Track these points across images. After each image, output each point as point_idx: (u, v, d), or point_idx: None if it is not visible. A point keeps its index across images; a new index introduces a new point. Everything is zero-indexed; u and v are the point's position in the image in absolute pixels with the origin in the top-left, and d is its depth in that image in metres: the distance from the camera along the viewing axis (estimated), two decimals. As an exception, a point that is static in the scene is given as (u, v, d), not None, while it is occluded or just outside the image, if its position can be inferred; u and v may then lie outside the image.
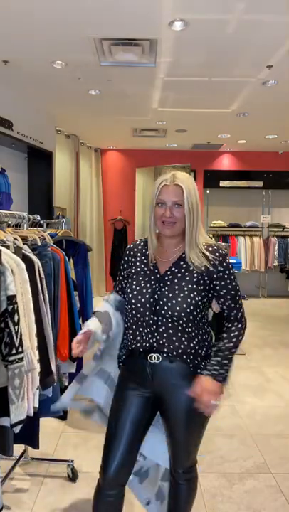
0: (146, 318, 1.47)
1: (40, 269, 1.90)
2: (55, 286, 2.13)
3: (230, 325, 1.52)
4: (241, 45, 3.32)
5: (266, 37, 3.16)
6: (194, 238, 1.47)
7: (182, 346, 1.46)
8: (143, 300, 1.47)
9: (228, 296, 1.50)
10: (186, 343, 1.46)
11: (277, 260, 7.62)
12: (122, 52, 3.39)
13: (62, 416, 2.30)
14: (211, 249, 1.49)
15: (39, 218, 2.47)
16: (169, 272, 1.49)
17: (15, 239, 1.86)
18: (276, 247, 7.60)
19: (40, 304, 1.87)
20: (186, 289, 1.44)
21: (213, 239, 7.07)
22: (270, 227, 7.77)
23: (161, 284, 1.48)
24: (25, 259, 1.82)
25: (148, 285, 1.49)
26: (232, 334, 1.50)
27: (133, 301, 1.49)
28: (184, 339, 1.46)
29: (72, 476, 2.28)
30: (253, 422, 3.01)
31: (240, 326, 1.52)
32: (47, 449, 2.52)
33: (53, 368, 1.97)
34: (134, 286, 1.52)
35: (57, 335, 2.15)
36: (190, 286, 1.45)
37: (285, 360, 4.33)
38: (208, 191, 7.78)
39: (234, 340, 1.50)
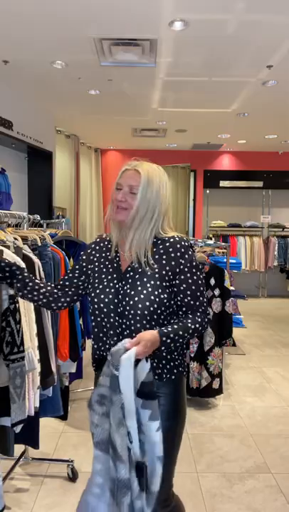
0: (112, 320, 1.36)
1: (41, 268, 1.90)
2: (55, 286, 2.13)
3: (191, 315, 1.38)
4: (241, 45, 3.32)
5: (266, 37, 3.16)
6: (145, 233, 1.35)
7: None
8: (106, 300, 1.37)
9: (188, 292, 1.36)
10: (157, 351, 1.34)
11: (277, 260, 7.62)
12: (122, 52, 3.39)
13: (63, 416, 2.30)
14: (172, 240, 1.37)
15: (39, 218, 2.47)
16: (129, 268, 1.37)
17: (15, 239, 1.86)
18: (276, 247, 7.61)
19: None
20: (148, 285, 1.33)
21: (214, 239, 7.07)
22: (270, 227, 7.77)
23: (123, 282, 1.37)
24: (26, 259, 1.82)
25: (111, 284, 1.38)
26: (196, 318, 1.36)
27: (96, 300, 1.39)
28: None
29: (72, 476, 2.28)
30: (253, 422, 3.01)
31: (201, 320, 1.37)
32: (47, 449, 2.52)
33: (54, 368, 1.97)
34: (96, 285, 1.41)
35: (57, 335, 2.16)
36: (152, 282, 1.33)
37: (285, 360, 4.33)
38: (208, 191, 7.78)
39: (195, 323, 1.34)
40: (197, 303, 1.38)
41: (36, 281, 1.45)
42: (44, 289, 1.44)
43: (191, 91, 4.44)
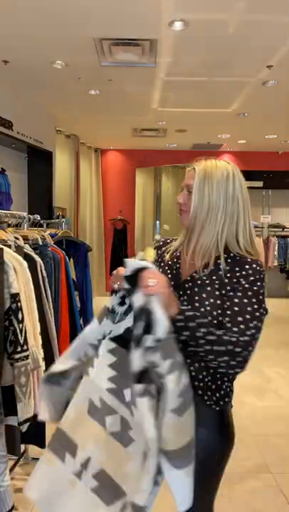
0: None
1: (43, 267, 1.91)
2: (55, 286, 2.14)
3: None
4: (241, 45, 3.32)
5: (266, 37, 3.16)
6: (209, 239, 1.17)
7: (198, 376, 1.17)
8: None
9: (228, 312, 1.11)
10: (204, 373, 1.17)
11: (278, 260, 7.62)
12: (122, 52, 3.39)
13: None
14: (238, 258, 1.17)
15: (39, 218, 2.47)
16: (189, 278, 1.20)
17: (16, 238, 1.86)
18: (276, 247, 7.60)
19: (43, 303, 1.88)
20: (207, 303, 1.13)
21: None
22: (270, 227, 7.76)
23: (180, 293, 1.20)
24: (27, 257, 1.82)
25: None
26: (228, 332, 1.08)
27: None
28: (202, 366, 1.17)
29: (73, 476, 2.28)
30: (253, 422, 3.01)
31: (233, 336, 1.07)
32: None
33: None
34: None
35: (58, 335, 2.16)
36: (212, 300, 1.14)
37: (285, 360, 4.33)
38: (208, 191, 7.78)
39: (224, 336, 1.06)
40: (237, 329, 1.07)
41: None
42: None
43: (191, 91, 4.44)
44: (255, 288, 1.12)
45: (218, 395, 1.20)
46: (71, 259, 2.75)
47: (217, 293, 1.15)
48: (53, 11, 2.83)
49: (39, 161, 5.40)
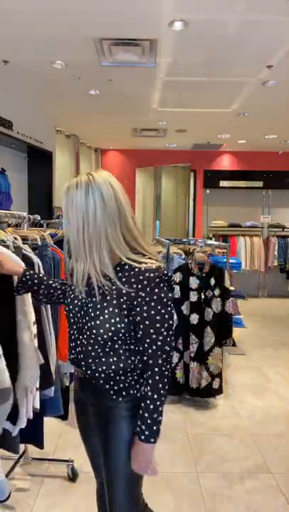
0: (71, 332, 1.33)
1: (41, 268, 1.90)
2: (55, 286, 2.13)
3: (147, 361, 1.23)
4: (241, 45, 3.32)
5: (266, 37, 3.16)
6: (80, 260, 1.22)
7: (105, 367, 1.26)
8: (74, 311, 1.32)
9: (141, 326, 1.21)
10: (111, 365, 1.26)
11: (278, 260, 7.62)
12: (122, 52, 3.39)
13: (63, 416, 2.30)
14: (137, 270, 1.21)
15: (39, 218, 2.47)
16: (85, 297, 1.29)
17: (15, 238, 1.86)
18: (276, 247, 7.60)
19: (39, 304, 1.87)
20: (106, 311, 1.22)
21: (214, 239, 7.07)
22: (270, 227, 7.76)
23: (89, 299, 1.27)
24: (25, 258, 1.82)
25: (79, 296, 1.30)
26: (148, 374, 1.22)
27: (67, 308, 1.36)
28: (107, 359, 1.26)
29: (72, 476, 2.28)
30: (253, 422, 3.01)
31: (154, 367, 1.21)
32: (47, 449, 2.52)
33: (52, 369, 1.97)
34: (70, 292, 1.35)
35: (57, 335, 2.16)
36: (111, 309, 1.22)
37: (285, 360, 4.33)
38: (208, 191, 7.78)
39: (150, 383, 1.20)
40: (148, 340, 1.20)
41: (51, 283, 1.49)
42: (59, 290, 1.49)
43: (191, 91, 4.44)
44: (156, 298, 1.19)
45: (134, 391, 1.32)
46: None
47: (115, 302, 1.22)
48: (53, 11, 2.83)
49: (39, 161, 5.40)
